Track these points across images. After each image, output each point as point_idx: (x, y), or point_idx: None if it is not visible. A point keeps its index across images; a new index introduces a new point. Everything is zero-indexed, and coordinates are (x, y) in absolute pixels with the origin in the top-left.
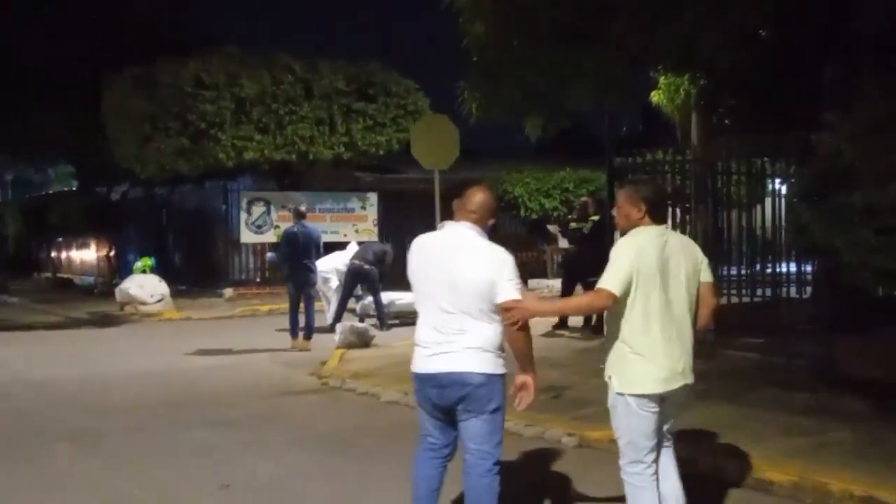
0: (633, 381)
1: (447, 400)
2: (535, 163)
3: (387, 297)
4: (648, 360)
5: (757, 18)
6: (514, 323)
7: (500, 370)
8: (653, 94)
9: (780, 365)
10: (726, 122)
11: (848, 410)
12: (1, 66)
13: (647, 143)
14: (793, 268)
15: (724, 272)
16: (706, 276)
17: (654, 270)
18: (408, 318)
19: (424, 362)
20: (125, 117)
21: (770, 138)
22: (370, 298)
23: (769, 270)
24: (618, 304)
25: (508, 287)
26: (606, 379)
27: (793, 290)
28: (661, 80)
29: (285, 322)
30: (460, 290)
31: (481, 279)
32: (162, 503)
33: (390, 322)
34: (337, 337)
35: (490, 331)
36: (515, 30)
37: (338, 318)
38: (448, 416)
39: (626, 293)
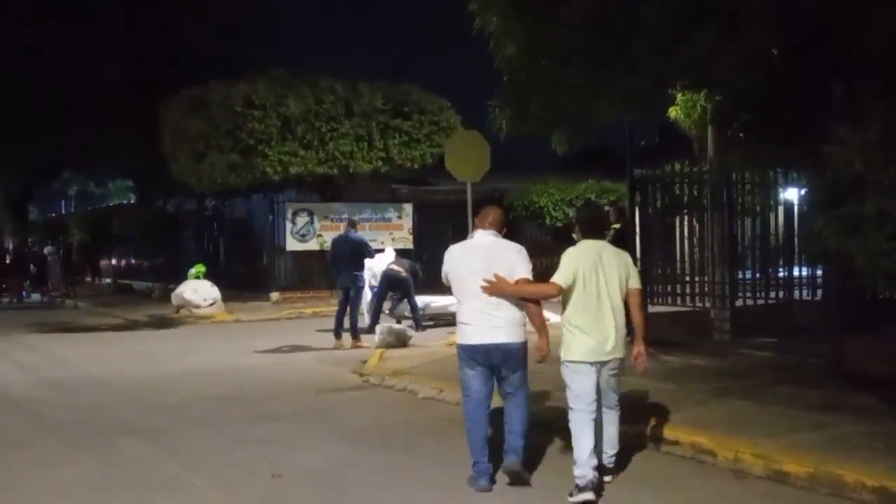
0: (570, 350)
1: (490, 362)
2: (560, 174)
3: (421, 300)
4: (583, 333)
5: (769, 40)
6: (490, 292)
7: (524, 338)
8: (671, 109)
9: (793, 363)
10: (741, 135)
11: (859, 406)
12: (67, 90)
13: (664, 153)
14: (804, 271)
15: (740, 275)
16: (634, 282)
17: (590, 272)
18: (441, 319)
19: (472, 336)
20: (181, 136)
21: (782, 150)
22: (405, 302)
23: (781, 273)
24: (564, 295)
25: (521, 269)
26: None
27: (804, 292)
28: (679, 96)
29: (327, 323)
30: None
31: (507, 270)
32: (219, 491)
33: (425, 324)
34: (376, 338)
35: (517, 311)
36: (544, 53)
37: (374, 320)
38: (488, 374)
39: (570, 287)
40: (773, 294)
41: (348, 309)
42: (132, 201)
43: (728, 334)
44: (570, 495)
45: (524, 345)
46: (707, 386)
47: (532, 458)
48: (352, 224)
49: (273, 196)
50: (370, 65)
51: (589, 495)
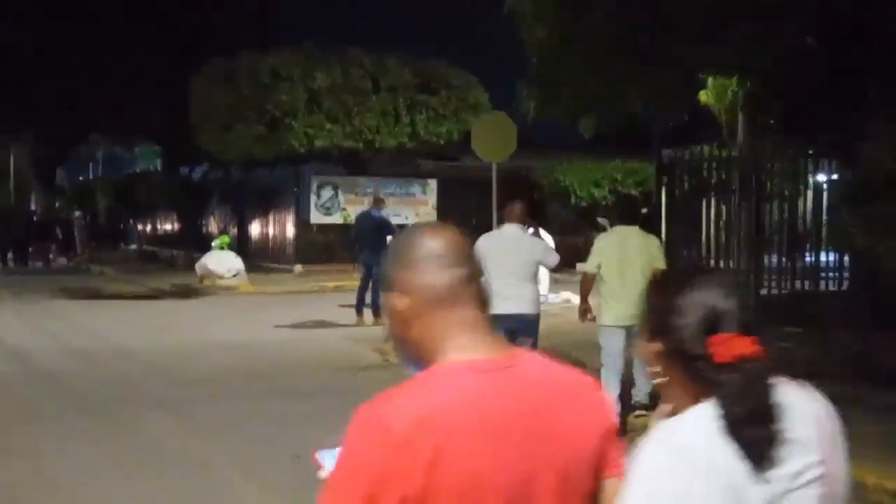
0: (602, 316)
1: (511, 328)
2: (586, 153)
3: None
4: (612, 303)
5: (806, 31)
6: None
7: (538, 311)
8: (701, 93)
9: (817, 356)
10: (771, 122)
11: (883, 404)
12: (98, 55)
13: (692, 133)
14: (831, 257)
15: (766, 261)
16: (660, 262)
17: (615, 254)
18: None
19: (498, 307)
20: (209, 106)
21: (814, 140)
22: None
23: (808, 260)
24: (599, 275)
25: (551, 259)
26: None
27: (831, 283)
28: (710, 80)
29: (349, 298)
30: (518, 264)
31: (530, 257)
32: (242, 472)
33: None
34: None
35: (535, 287)
36: (576, 40)
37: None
38: (507, 338)
39: (599, 269)
40: (799, 283)
41: (370, 285)
42: (158, 168)
43: None
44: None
45: (537, 316)
46: None
47: None
48: (377, 201)
49: (298, 168)
50: (399, 38)
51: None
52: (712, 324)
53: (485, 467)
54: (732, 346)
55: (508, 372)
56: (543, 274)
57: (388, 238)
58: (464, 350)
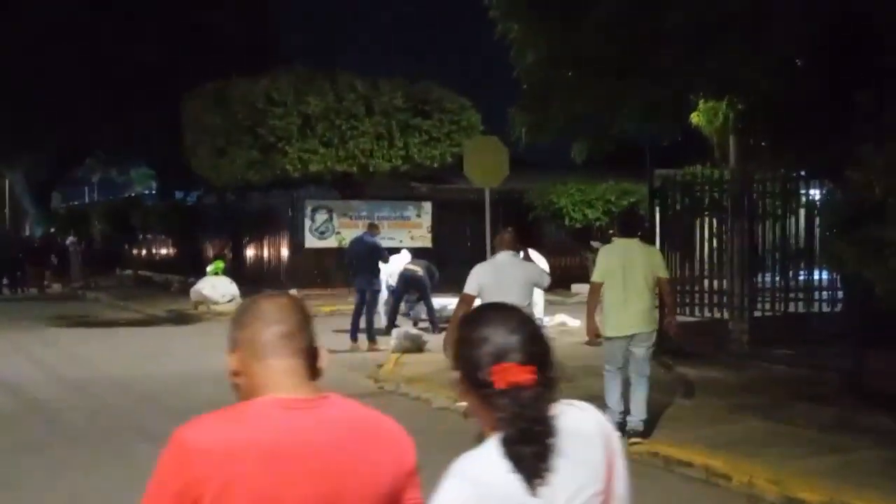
0: (606, 326)
1: None
2: (580, 174)
3: (438, 302)
4: (615, 315)
5: (794, 50)
6: None
7: None
8: (692, 115)
9: (812, 378)
10: (762, 143)
11: (876, 427)
12: (93, 77)
13: (686, 152)
14: (825, 275)
15: (759, 280)
16: (662, 272)
17: (618, 266)
18: None
19: None
20: (202, 130)
21: (804, 161)
22: (423, 304)
23: (801, 278)
24: (604, 285)
25: (544, 280)
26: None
27: (824, 304)
28: (701, 103)
29: (344, 323)
30: (515, 288)
31: (528, 280)
32: None
33: (442, 326)
34: (392, 342)
35: (529, 309)
36: (564, 61)
37: (391, 321)
38: None
39: (605, 279)
40: (792, 304)
41: (364, 310)
42: (153, 191)
43: (746, 346)
44: None
45: None
46: (723, 402)
47: None
48: (371, 227)
49: (292, 193)
50: (391, 62)
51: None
52: (496, 355)
53: (277, 494)
54: (509, 374)
55: (314, 411)
56: (539, 297)
57: (381, 263)
58: (278, 391)
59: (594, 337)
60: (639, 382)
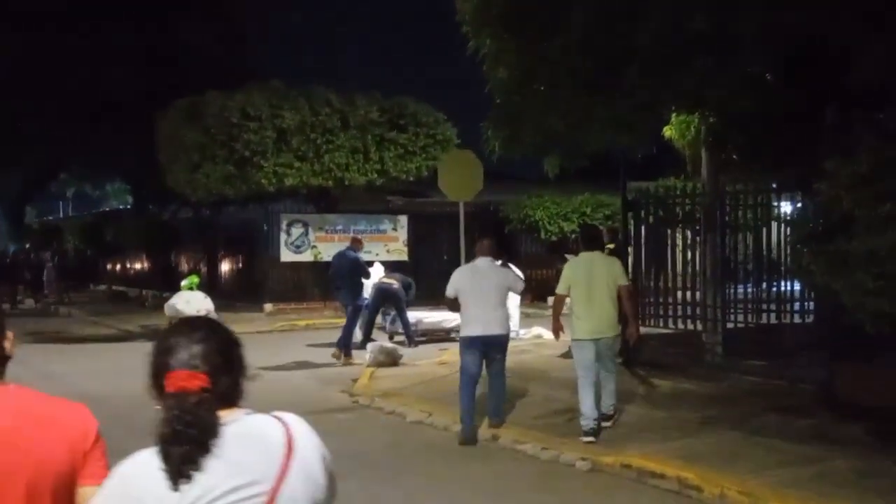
0: (575, 331)
1: (486, 347)
2: (555, 187)
3: (414, 315)
4: (582, 320)
5: (763, 65)
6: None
7: (508, 331)
8: (665, 129)
9: (784, 389)
10: (734, 157)
11: (848, 438)
12: (67, 92)
13: (660, 165)
14: (797, 286)
15: (732, 293)
16: (622, 280)
17: (582, 276)
18: (434, 335)
19: (475, 329)
20: (177, 145)
21: (775, 174)
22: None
23: (773, 290)
24: (571, 295)
25: (518, 286)
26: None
27: (797, 314)
28: (673, 117)
29: (320, 337)
30: (491, 291)
31: (503, 284)
32: None
33: (418, 339)
34: (367, 356)
35: (505, 311)
36: (536, 77)
37: (366, 336)
38: (480, 356)
39: (570, 289)
40: (765, 316)
41: (356, 322)
42: (129, 206)
43: (720, 357)
44: (580, 437)
45: (507, 336)
46: (696, 414)
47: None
48: (354, 241)
49: (268, 207)
50: (367, 75)
51: (591, 438)
52: (173, 363)
53: None
54: (178, 380)
55: None
56: (514, 309)
57: (362, 279)
58: None
59: (559, 333)
60: (607, 378)
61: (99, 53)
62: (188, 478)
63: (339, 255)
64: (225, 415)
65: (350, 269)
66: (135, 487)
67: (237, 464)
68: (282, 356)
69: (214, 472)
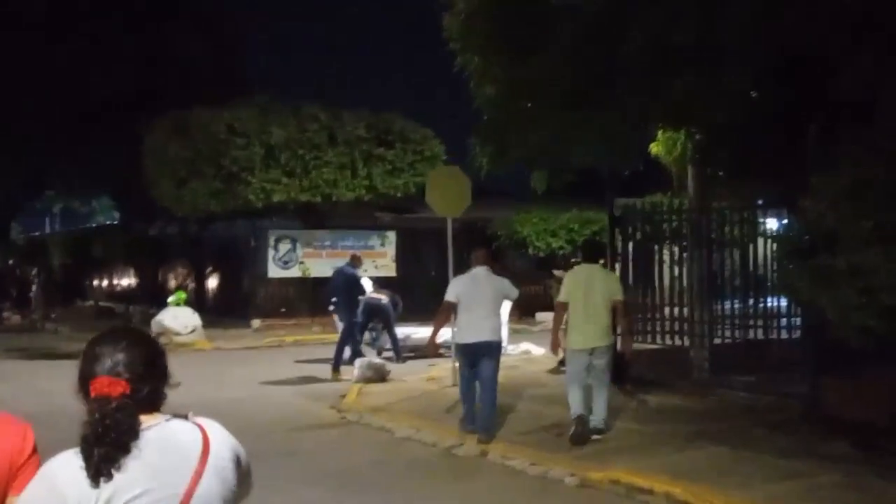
0: (569, 340)
1: (477, 353)
2: (543, 203)
3: (402, 331)
4: (577, 331)
5: (747, 82)
6: None
7: (500, 339)
8: (652, 145)
9: (771, 404)
10: (720, 173)
11: (835, 453)
12: (52, 107)
13: (646, 181)
14: (783, 302)
15: (718, 309)
16: (618, 295)
17: (579, 288)
18: (422, 351)
19: (467, 336)
20: (163, 160)
21: (761, 190)
22: (387, 334)
23: (761, 306)
24: (568, 305)
25: (513, 293)
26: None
27: (784, 330)
28: (660, 133)
29: (307, 353)
30: (488, 299)
31: (497, 292)
32: None
33: (406, 355)
34: (355, 372)
35: (499, 319)
36: (523, 94)
37: (354, 352)
38: (474, 362)
39: (568, 299)
40: (752, 331)
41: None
42: (115, 221)
43: (707, 373)
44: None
45: (500, 343)
46: (684, 429)
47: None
48: (353, 259)
49: (255, 222)
50: (355, 93)
51: (579, 430)
52: (97, 370)
53: None
54: (101, 386)
55: None
56: (504, 327)
57: (358, 295)
58: None
59: (557, 349)
60: (599, 389)
61: (85, 64)
62: (107, 476)
63: (338, 272)
64: (146, 419)
65: (346, 286)
66: (59, 483)
67: (154, 464)
68: (270, 372)
69: (132, 472)
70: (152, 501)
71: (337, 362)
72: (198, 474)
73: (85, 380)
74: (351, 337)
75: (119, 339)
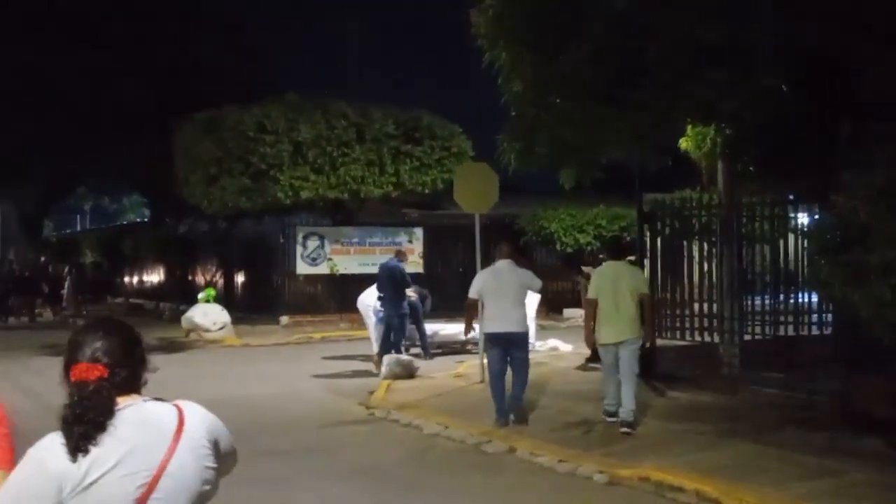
0: (599, 336)
1: (506, 343)
2: (571, 198)
3: (430, 328)
4: (608, 326)
5: (777, 78)
6: None
7: (527, 329)
8: (681, 141)
9: (802, 402)
10: (750, 169)
11: (867, 450)
12: (85, 107)
13: (675, 176)
14: (814, 298)
15: (748, 305)
16: (644, 289)
17: (608, 284)
18: (450, 347)
19: (495, 326)
20: (194, 158)
21: (791, 185)
22: (414, 329)
23: (791, 301)
24: (597, 301)
25: (536, 284)
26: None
27: (814, 326)
28: (689, 128)
29: (336, 349)
30: (513, 290)
31: (522, 283)
32: None
33: (433, 351)
34: (383, 368)
35: (524, 310)
36: (551, 90)
37: (396, 344)
38: (503, 352)
39: (597, 296)
40: (782, 327)
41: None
42: (146, 219)
43: (736, 369)
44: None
45: (526, 333)
46: (714, 427)
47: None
48: (399, 253)
49: (284, 219)
50: (383, 89)
51: (615, 419)
52: (78, 356)
53: None
54: (80, 371)
55: None
56: (531, 319)
57: (404, 288)
58: None
59: (591, 344)
60: (627, 380)
61: (113, 66)
62: (85, 452)
63: (384, 266)
64: (123, 400)
65: (391, 279)
66: (45, 461)
67: (128, 440)
68: (298, 368)
69: (107, 447)
70: (127, 474)
71: (384, 350)
72: (170, 450)
73: (67, 367)
74: (403, 329)
75: (98, 329)
